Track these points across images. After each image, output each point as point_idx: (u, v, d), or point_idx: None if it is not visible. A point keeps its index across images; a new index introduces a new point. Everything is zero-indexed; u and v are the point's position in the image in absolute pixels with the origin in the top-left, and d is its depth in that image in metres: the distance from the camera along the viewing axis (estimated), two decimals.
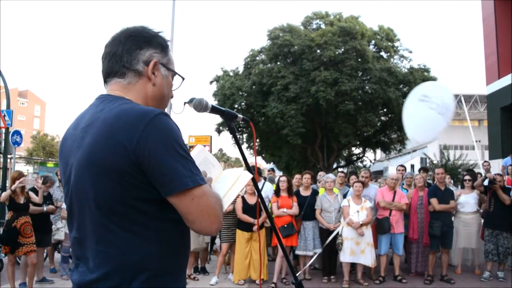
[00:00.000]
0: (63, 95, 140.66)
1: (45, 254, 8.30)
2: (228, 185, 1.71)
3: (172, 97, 1.68)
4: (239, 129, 27.64)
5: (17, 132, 13.88)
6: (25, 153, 57.70)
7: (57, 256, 8.44)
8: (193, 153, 1.79)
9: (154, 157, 1.29)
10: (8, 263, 6.63)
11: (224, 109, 1.87)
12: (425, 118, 6.70)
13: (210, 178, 1.71)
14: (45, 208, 7.25)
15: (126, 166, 1.30)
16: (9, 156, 14.03)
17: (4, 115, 12.57)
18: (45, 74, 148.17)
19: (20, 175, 6.88)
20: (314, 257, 7.75)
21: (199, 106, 1.79)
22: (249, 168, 1.85)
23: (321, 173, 10.16)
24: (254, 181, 1.91)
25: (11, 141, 13.41)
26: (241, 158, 2.10)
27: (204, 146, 16.90)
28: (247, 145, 31.34)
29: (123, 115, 1.35)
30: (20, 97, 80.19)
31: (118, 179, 1.31)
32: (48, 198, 7.49)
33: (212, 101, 1.90)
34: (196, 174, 1.36)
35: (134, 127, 1.30)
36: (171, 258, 1.41)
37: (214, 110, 1.84)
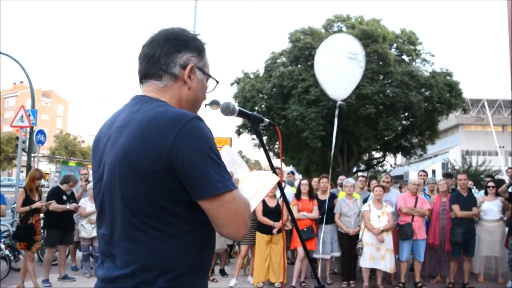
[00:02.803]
0: (85, 96, 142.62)
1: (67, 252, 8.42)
2: (255, 187, 1.71)
3: (204, 99, 1.69)
4: (261, 131, 27.57)
5: (41, 131, 14.15)
6: (48, 152, 58.60)
7: (79, 254, 8.53)
8: (220, 154, 1.83)
9: (187, 160, 1.31)
10: (27, 259, 6.70)
11: (251, 113, 1.88)
12: (339, 71, 6.50)
13: (237, 179, 1.70)
14: (68, 206, 7.36)
15: (159, 168, 1.32)
16: (33, 154, 14.28)
17: (29, 115, 12.79)
18: (68, 74, 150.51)
19: (41, 175, 7.01)
20: (321, 259, 7.69)
21: (227, 109, 1.80)
22: (275, 171, 1.86)
23: (341, 177, 10.11)
24: (280, 184, 1.91)
25: (35, 140, 13.69)
26: (262, 161, 2.10)
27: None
28: (267, 147, 31.25)
29: (158, 117, 1.37)
30: (44, 97, 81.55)
31: (150, 180, 1.34)
32: (71, 197, 7.60)
33: (233, 103, 1.89)
34: (227, 179, 1.38)
35: (168, 130, 1.33)
36: (197, 258, 1.43)
37: (241, 114, 1.84)
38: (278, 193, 8.43)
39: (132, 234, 1.38)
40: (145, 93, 1.56)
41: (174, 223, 1.37)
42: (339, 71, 6.37)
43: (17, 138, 15.37)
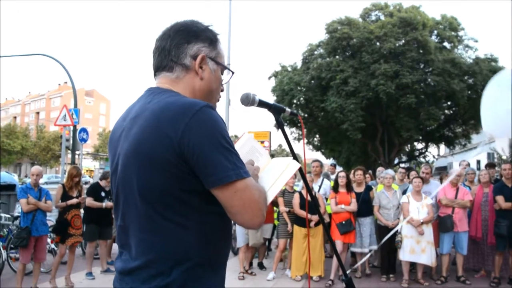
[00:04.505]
0: (126, 93, 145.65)
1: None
2: (276, 174, 1.70)
3: (222, 90, 1.69)
4: (298, 124, 27.57)
5: (84, 130, 14.59)
6: (92, 150, 60.39)
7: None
8: (240, 142, 1.81)
9: (198, 149, 1.32)
10: (58, 253, 6.99)
11: (271, 103, 1.86)
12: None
13: (257, 167, 1.68)
14: (104, 205, 7.60)
15: (171, 157, 1.33)
16: (77, 152, 14.76)
17: (72, 114, 13.22)
18: (109, 73, 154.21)
19: (78, 172, 7.24)
20: (368, 255, 7.58)
21: (246, 100, 1.78)
22: (296, 158, 1.83)
23: (379, 169, 9.95)
24: (302, 171, 1.89)
25: (78, 138, 14.13)
26: (303, 154, 2.09)
27: (263, 142, 17.06)
28: (306, 140, 31.17)
29: (169, 107, 1.38)
30: (86, 96, 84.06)
31: (163, 170, 1.34)
32: (110, 193, 7.80)
33: (271, 97, 1.87)
34: (240, 167, 1.37)
35: (179, 119, 1.33)
36: (211, 250, 1.43)
37: (261, 104, 1.82)
38: (315, 186, 8.40)
39: (146, 224, 1.39)
40: (158, 85, 1.57)
41: (188, 213, 1.38)
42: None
43: (61, 136, 15.90)
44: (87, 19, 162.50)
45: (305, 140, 29.51)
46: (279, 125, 1.89)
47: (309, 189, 1.99)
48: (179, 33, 1.56)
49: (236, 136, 27.81)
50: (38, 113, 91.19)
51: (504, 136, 6.52)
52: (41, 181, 7.06)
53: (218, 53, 1.62)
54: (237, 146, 1.74)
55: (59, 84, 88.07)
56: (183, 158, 1.33)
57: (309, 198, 6.31)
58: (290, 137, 28.45)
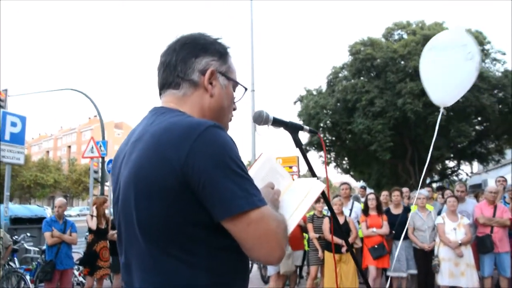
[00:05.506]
0: None
1: None
2: (299, 197, 1.54)
3: (235, 109, 1.53)
4: (326, 148, 27.34)
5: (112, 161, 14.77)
6: None
7: None
8: (257, 163, 1.68)
9: (204, 174, 1.15)
10: (86, 286, 6.97)
11: (287, 120, 1.73)
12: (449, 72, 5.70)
13: (278, 190, 1.52)
14: None
15: (173, 185, 1.16)
16: (106, 183, 14.90)
17: (100, 146, 13.41)
18: (137, 105, 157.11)
19: (103, 201, 7.25)
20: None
21: (259, 118, 1.66)
22: (315, 177, 1.69)
23: (404, 189, 9.54)
24: (325, 194, 1.75)
25: (106, 169, 14.31)
26: (332, 178, 1.97)
27: (291, 167, 16.90)
28: (335, 163, 30.86)
29: (171, 127, 1.23)
30: (116, 128, 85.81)
31: (165, 200, 1.18)
32: None
33: (297, 121, 1.76)
34: (254, 194, 1.19)
35: (182, 141, 1.18)
36: None
37: (276, 122, 1.70)
38: (346, 210, 8.16)
39: (148, 262, 1.23)
40: (163, 104, 1.43)
41: (193, 249, 1.20)
42: (451, 73, 5.67)
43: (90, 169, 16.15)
44: (119, 54, 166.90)
45: (332, 163, 29.22)
46: (297, 144, 1.76)
47: (332, 212, 1.85)
48: (186, 46, 1.42)
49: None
50: (69, 146, 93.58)
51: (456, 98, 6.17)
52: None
53: (229, 67, 1.47)
54: (255, 169, 1.62)
55: (89, 118, 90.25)
56: (187, 186, 1.16)
57: (333, 221, 6.07)
58: (319, 161, 28.28)
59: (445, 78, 5.63)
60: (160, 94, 1.47)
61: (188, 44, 1.43)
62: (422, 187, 8.72)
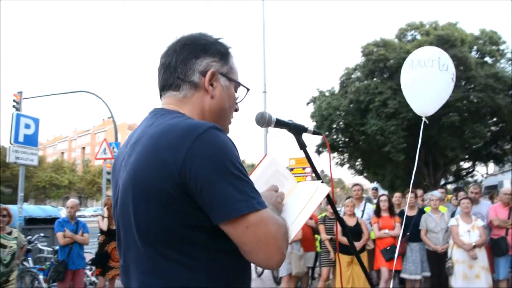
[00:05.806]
0: None
1: None
2: (303, 200, 1.52)
3: (237, 110, 1.51)
4: (339, 149, 27.27)
5: None
6: None
7: None
8: (261, 166, 1.66)
9: (202, 178, 1.13)
10: (98, 286, 7.00)
11: (290, 122, 1.70)
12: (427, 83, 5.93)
13: (281, 193, 1.50)
14: None
15: (171, 188, 1.15)
16: None
17: (113, 147, 13.52)
18: (151, 105, 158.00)
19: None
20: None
21: (261, 120, 1.64)
22: (320, 179, 1.67)
23: (418, 191, 9.45)
24: (330, 197, 1.73)
25: None
26: (346, 179, 1.94)
27: (304, 168, 16.86)
28: (348, 164, 30.74)
29: (169, 129, 1.21)
30: (129, 130, 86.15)
31: (163, 203, 1.16)
32: None
33: (310, 123, 1.75)
34: (253, 197, 1.17)
35: (180, 143, 1.16)
36: None
37: (279, 123, 1.68)
38: (358, 211, 8.12)
39: (147, 265, 1.21)
40: (164, 106, 1.41)
41: (193, 252, 1.18)
42: (429, 84, 5.98)
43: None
44: (132, 56, 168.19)
45: (346, 165, 29.09)
46: (301, 146, 1.73)
47: (337, 214, 1.83)
48: (186, 47, 1.40)
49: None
50: (84, 148, 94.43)
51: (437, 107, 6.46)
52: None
53: (230, 68, 1.45)
54: (258, 171, 1.60)
55: (103, 120, 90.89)
56: (184, 189, 1.14)
57: (341, 223, 6.09)
58: (332, 163, 28.14)
59: (424, 89, 5.94)
60: (161, 95, 1.46)
61: (188, 44, 1.41)
62: (435, 188, 8.64)
